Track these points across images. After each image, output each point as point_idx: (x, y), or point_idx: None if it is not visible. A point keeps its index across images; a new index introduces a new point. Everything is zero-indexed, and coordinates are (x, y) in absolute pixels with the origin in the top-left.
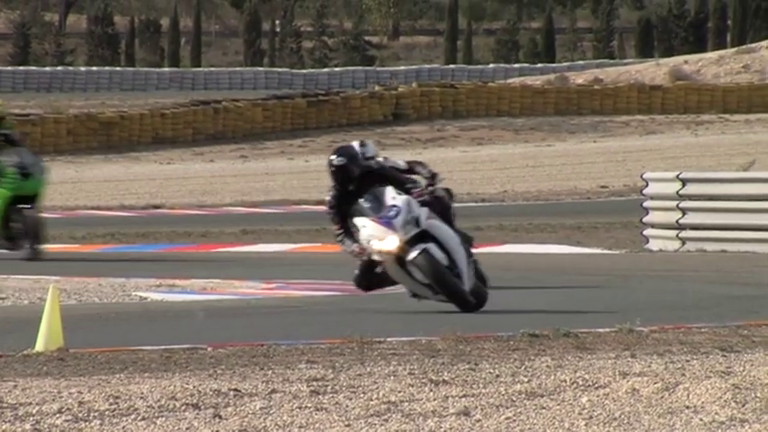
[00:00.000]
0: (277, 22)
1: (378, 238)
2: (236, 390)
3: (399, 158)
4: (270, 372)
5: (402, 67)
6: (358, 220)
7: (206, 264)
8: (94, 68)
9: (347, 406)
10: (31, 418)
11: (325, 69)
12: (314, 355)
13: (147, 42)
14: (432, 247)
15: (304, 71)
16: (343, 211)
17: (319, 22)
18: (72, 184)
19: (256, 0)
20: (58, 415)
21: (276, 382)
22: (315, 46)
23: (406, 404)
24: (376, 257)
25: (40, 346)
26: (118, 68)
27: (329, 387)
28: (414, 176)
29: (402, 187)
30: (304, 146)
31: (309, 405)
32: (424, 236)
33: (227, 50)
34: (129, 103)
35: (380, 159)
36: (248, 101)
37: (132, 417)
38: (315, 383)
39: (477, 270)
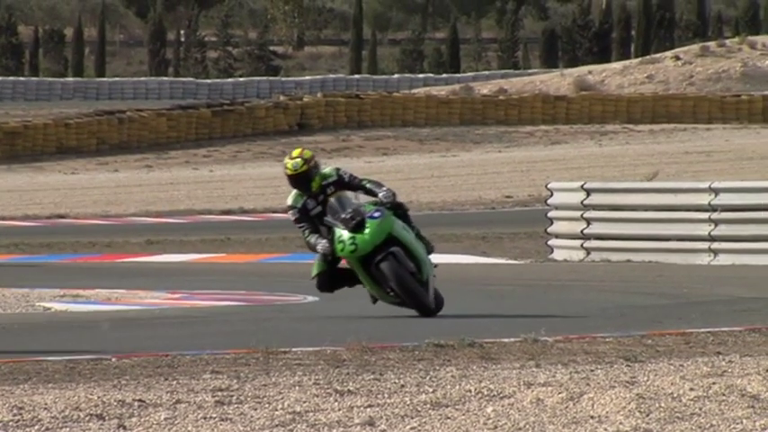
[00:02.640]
0: (182, 31)
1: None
2: (140, 400)
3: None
4: (175, 382)
5: (307, 77)
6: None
7: (110, 274)
8: None
9: (252, 416)
10: None
11: (230, 79)
12: (219, 365)
13: (51, 52)
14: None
15: (209, 81)
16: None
17: (224, 32)
18: None
19: (161, 10)
20: None
21: (181, 393)
22: (219, 56)
23: (312, 414)
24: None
25: None
26: (22, 78)
27: (234, 397)
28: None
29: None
30: (209, 156)
31: (214, 415)
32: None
33: (131, 60)
34: (33, 113)
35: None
36: (153, 111)
37: (36, 428)
38: (220, 394)
39: None
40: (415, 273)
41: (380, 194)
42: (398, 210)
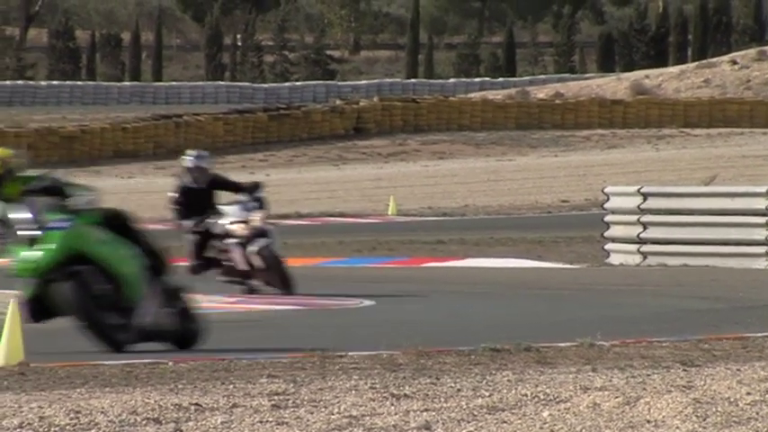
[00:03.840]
0: (238, 36)
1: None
2: (197, 404)
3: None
4: (231, 386)
5: (363, 82)
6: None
7: None
8: (55, 82)
9: (308, 420)
10: None
11: (287, 83)
12: (275, 369)
13: (108, 56)
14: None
15: (265, 85)
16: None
17: (280, 37)
18: None
19: (217, 14)
20: (18, 430)
21: (237, 397)
22: (276, 60)
23: (368, 418)
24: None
25: (0, 360)
26: (79, 83)
27: (290, 401)
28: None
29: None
30: (265, 160)
31: (271, 419)
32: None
33: (188, 65)
34: (90, 117)
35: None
36: (209, 115)
37: (93, 431)
38: (276, 398)
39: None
40: (111, 295)
41: (73, 200)
42: (113, 220)
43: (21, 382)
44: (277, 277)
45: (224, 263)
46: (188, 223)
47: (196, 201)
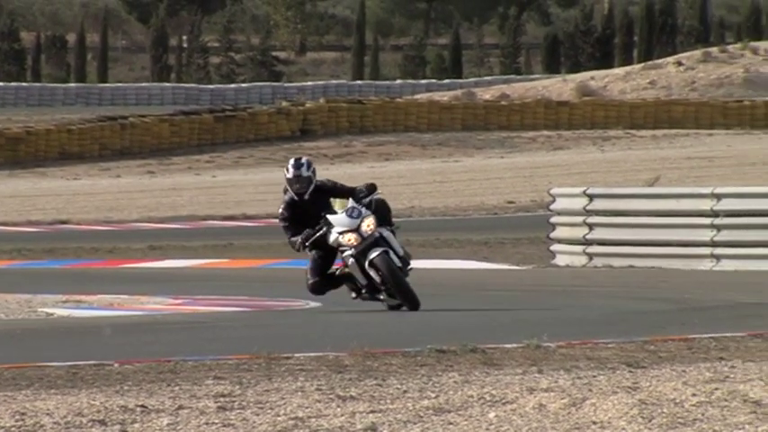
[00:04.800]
0: (184, 37)
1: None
2: (143, 406)
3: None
4: (177, 388)
5: (309, 83)
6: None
7: (113, 280)
8: (0, 84)
9: (254, 422)
10: None
11: (233, 85)
12: (221, 370)
13: (54, 58)
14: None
15: (211, 87)
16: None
17: (226, 38)
18: None
19: (163, 16)
20: None
21: (183, 398)
22: (222, 62)
23: (314, 420)
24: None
25: None
26: (24, 84)
27: (236, 403)
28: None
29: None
30: (211, 161)
31: (216, 421)
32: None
33: (133, 66)
34: (36, 118)
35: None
36: (155, 116)
37: None
38: (222, 399)
39: None
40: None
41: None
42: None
43: None
44: (396, 290)
45: (347, 279)
46: (296, 240)
47: (304, 214)
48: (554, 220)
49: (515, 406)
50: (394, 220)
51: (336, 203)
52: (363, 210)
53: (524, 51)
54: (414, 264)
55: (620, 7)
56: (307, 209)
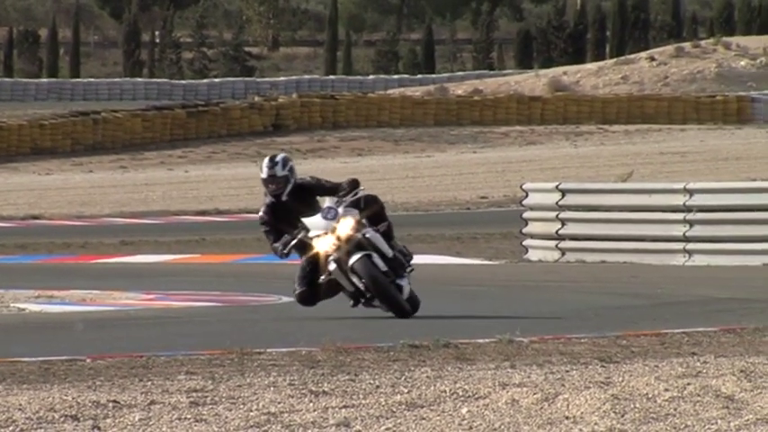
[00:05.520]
0: (156, 32)
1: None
2: (115, 401)
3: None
4: (149, 383)
5: (282, 78)
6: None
7: (85, 275)
8: None
9: (227, 417)
10: None
11: (205, 80)
12: (193, 366)
13: (26, 53)
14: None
15: (184, 82)
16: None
17: (199, 33)
18: None
19: (135, 11)
20: None
21: (155, 394)
22: (194, 57)
23: (286, 415)
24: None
25: None
26: None
27: (209, 398)
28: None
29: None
30: (183, 156)
31: (189, 416)
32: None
33: (106, 61)
34: (8, 113)
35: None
36: (128, 112)
37: (11, 429)
38: (194, 395)
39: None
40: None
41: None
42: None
43: None
44: (378, 298)
45: (334, 287)
46: (278, 246)
47: (286, 217)
48: (527, 215)
49: (488, 401)
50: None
51: (326, 202)
52: (341, 209)
53: (497, 47)
54: None
55: (592, 2)
56: (289, 211)
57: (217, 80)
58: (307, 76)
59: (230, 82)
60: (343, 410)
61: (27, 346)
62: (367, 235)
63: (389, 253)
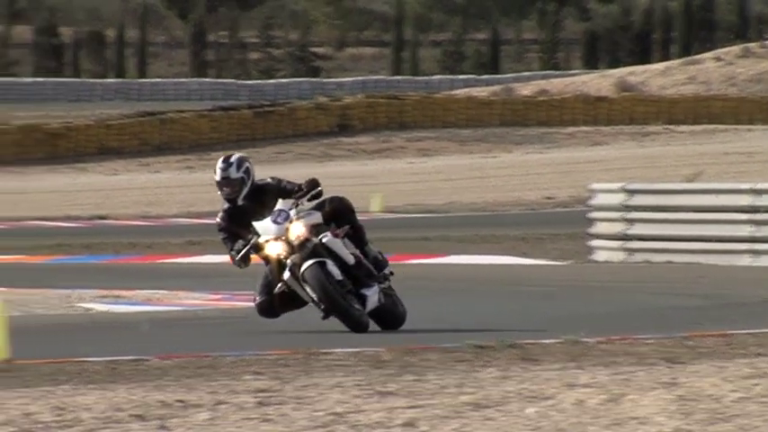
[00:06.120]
0: (223, 33)
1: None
2: (181, 401)
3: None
4: (216, 383)
5: (348, 79)
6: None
7: (151, 275)
8: (39, 79)
9: (293, 417)
10: None
11: (271, 81)
12: (260, 366)
13: (93, 53)
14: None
15: (250, 82)
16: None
17: (265, 34)
18: (17, 195)
19: (202, 11)
20: (2, 427)
21: (222, 393)
22: (261, 57)
23: (352, 415)
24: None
25: None
26: (63, 79)
27: (275, 398)
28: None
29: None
30: (250, 156)
31: (255, 416)
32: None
33: (172, 62)
34: (75, 113)
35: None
36: (194, 112)
37: (78, 428)
38: (261, 395)
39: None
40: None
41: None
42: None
43: (5, 379)
44: (329, 308)
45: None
46: (233, 253)
47: (242, 223)
48: (593, 215)
49: (554, 402)
50: (435, 215)
51: (278, 205)
52: (292, 212)
53: (563, 47)
54: (451, 259)
55: (658, 3)
56: (246, 215)
57: (283, 81)
58: (372, 77)
59: (296, 82)
60: (409, 411)
61: (94, 346)
62: (323, 240)
63: (350, 260)
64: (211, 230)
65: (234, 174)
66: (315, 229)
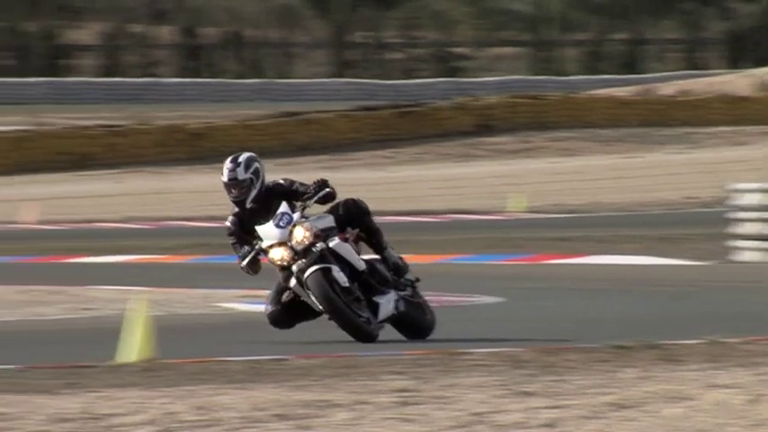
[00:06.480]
0: (364, 33)
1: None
2: (323, 400)
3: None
4: (356, 383)
5: (489, 78)
6: (259, 228)
7: None
8: (181, 80)
9: (434, 417)
10: (119, 429)
11: (412, 81)
12: (399, 366)
13: (234, 53)
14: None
15: (390, 82)
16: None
17: (406, 34)
18: (159, 195)
19: (344, 12)
20: (145, 426)
21: (362, 393)
22: (401, 57)
23: (492, 416)
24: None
25: (128, 356)
26: (204, 80)
27: (415, 398)
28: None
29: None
30: (391, 157)
31: (396, 416)
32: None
33: (313, 62)
34: (217, 114)
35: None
36: (335, 112)
37: (220, 428)
38: (401, 394)
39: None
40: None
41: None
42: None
43: (148, 378)
44: (332, 318)
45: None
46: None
47: (252, 227)
48: (733, 215)
49: (695, 402)
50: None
51: (281, 207)
52: (296, 215)
53: (705, 46)
54: (593, 259)
55: None
56: (256, 220)
57: (423, 80)
58: (513, 77)
59: (436, 82)
60: (549, 411)
61: (236, 346)
62: (331, 244)
63: (360, 265)
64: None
65: (242, 174)
66: (324, 233)
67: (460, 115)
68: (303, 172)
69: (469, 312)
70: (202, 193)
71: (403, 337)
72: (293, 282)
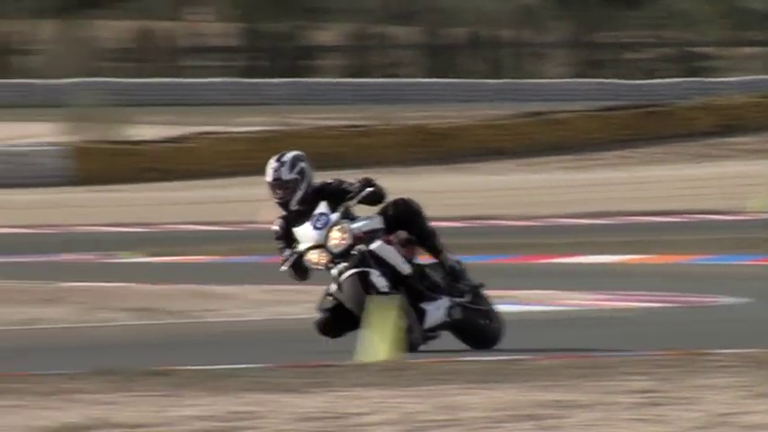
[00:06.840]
0: (606, 33)
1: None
2: (566, 401)
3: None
4: (598, 383)
5: (732, 78)
6: (297, 230)
7: (530, 275)
8: (427, 80)
9: (678, 418)
10: (363, 428)
11: (653, 81)
12: (641, 366)
13: (480, 54)
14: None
15: (630, 82)
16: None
17: (651, 34)
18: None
19: (590, 12)
20: (389, 425)
21: (601, 394)
22: (642, 57)
23: (736, 417)
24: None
25: (373, 355)
26: (450, 80)
27: (658, 399)
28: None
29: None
30: (632, 157)
31: (639, 417)
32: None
33: (557, 62)
34: (462, 114)
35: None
36: (582, 112)
37: (464, 427)
38: (644, 395)
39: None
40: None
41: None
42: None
43: (394, 377)
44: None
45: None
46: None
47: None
48: None
49: None
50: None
51: (319, 208)
52: (333, 216)
53: None
54: None
55: None
56: (301, 223)
57: (664, 81)
58: (759, 77)
59: (678, 82)
60: None
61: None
62: (372, 247)
63: (404, 269)
64: (589, 230)
65: (286, 174)
66: (367, 236)
67: (703, 115)
68: (544, 173)
69: (714, 313)
70: (446, 192)
71: (639, 339)
72: (333, 287)
